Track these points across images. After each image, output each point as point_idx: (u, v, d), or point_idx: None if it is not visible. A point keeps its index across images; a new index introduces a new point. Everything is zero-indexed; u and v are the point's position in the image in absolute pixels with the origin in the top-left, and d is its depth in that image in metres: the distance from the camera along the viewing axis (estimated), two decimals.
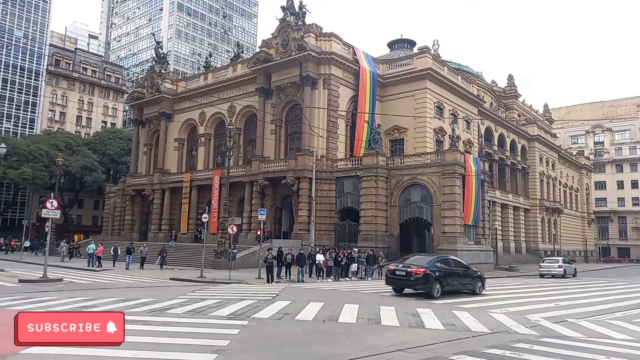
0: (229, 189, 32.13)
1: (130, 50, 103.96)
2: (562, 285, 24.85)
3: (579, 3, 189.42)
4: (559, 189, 67.62)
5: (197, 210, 43.65)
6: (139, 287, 19.71)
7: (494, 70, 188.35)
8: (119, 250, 32.82)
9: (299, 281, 23.23)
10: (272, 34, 41.03)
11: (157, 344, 8.53)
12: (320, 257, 25.25)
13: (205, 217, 26.96)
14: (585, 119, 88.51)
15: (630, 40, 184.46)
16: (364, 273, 26.76)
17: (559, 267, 32.57)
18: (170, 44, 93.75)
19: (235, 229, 26.33)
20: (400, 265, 17.56)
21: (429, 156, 34.58)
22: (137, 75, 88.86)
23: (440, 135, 41.33)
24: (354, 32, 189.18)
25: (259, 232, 26.96)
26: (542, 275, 32.19)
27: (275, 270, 23.86)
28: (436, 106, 41.32)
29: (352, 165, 36.46)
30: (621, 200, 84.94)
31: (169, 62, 69.59)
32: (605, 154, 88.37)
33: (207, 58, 59.56)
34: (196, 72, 73.12)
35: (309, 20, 39.84)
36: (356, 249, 28.08)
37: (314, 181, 34.22)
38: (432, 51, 43.76)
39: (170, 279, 23.86)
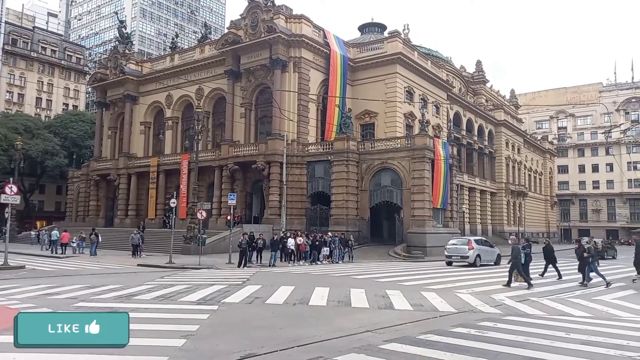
0: (197, 174, 31.61)
1: (91, 29, 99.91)
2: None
3: None
4: (524, 172, 69.61)
5: (165, 195, 42.84)
6: (105, 274, 19.29)
7: (463, 56, 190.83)
8: (100, 237, 31.72)
9: (270, 265, 23.21)
10: (240, 15, 40.16)
11: None
12: (291, 242, 25.30)
13: (174, 202, 26.43)
14: (550, 105, 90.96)
15: (593, 27, 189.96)
16: (337, 257, 27.03)
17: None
18: (134, 23, 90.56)
19: (204, 214, 25.95)
20: None
21: (399, 141, 34.89)
22: (99, 55, 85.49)
23: (410, 120, 41.68)
24: (324, 15, 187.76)
25: (229, 217, 26.71)
26: None
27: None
28: (406, 91, 41.56)
29: (323, 149, 36.42)
30: (582, 183, 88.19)
31: (133, 43, 67.52)
32: (568, 139, 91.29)
33: (173, 39, 57.69)
34: (162, 53, 71.08)
35: (278, 1, 39.16)
36: (330, 233, 28.31)
37: (284, 165, 34.03)
38: (402, 35, 43.73)
39: (138, 265, 23.45)
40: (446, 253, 24.41)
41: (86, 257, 28.05)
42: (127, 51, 50.17)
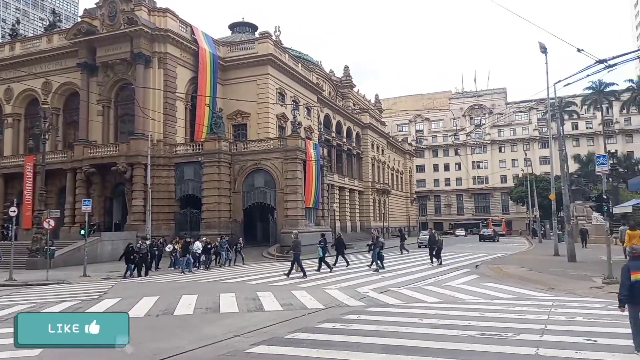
0: (45, 178, 28.02)
1: None
2: (388, 258, 27.53)
3: (412, 8, 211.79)
4: (388, 172, 75.21)
5: (4, 203, 37.10)
6: None
7: (331, 61, 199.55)
8: None
9: (182, 272, 21.99)
10: (96, 4, 36.66)
11: None
12: (197, 245, 24.11)
13: (14, 211, 22.90)
14: (409, 109, 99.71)
15: (447, 39, 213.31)
16: (224, 260, 26.14)
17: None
18: None
19: (52, 223, 22.89)
20: None
21: (271, 142, 35.07)
22: None
23: (282, 122, 42.14)
24: (192, 10, 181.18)
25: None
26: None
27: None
28: (278, 92, 41.92)
29: (193, 150, 35.00)
30: (437, 181, 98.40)
31: None
32: (424, 141, 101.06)
33: (13, 25, 50.48)
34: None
35: None
36: (204, 238, 27.22)
37: (149, 168, 31.81)
38: (273, 37, 44.03)
39: None
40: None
41: None
42: None
